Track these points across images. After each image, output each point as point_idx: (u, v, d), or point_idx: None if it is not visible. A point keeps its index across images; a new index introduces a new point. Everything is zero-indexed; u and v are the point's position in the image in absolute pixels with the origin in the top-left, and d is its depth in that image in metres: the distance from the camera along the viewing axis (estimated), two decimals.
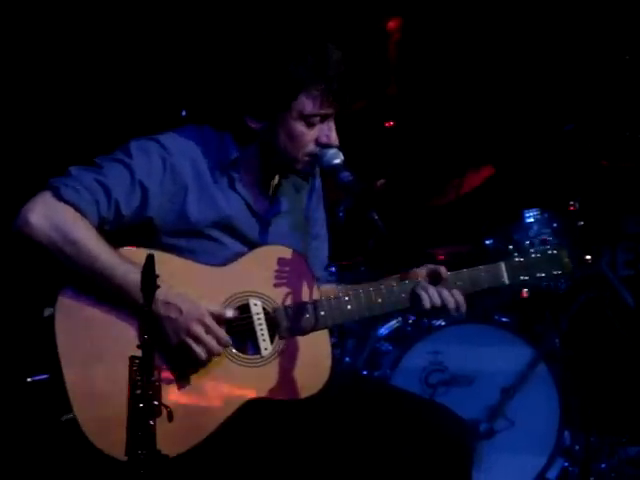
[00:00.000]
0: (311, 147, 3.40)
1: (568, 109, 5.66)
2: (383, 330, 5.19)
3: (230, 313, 3.30)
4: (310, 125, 3.37)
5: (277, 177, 3.55)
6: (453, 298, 3.48)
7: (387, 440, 3.38)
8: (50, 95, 5.42)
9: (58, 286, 3.23)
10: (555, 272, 3.69)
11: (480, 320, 5.11)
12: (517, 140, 5.81)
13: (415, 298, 3.48)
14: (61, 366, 3.18)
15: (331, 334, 3.53)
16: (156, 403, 2.85)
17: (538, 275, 3.66)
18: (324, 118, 3.38)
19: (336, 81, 3.34)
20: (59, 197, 3.23)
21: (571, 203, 5.10)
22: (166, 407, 2.96)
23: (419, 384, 4.99)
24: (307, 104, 3.34)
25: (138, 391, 2.84)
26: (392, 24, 5.45)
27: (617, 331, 5.35)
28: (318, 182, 3.67)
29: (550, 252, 3.70)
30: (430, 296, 3.46)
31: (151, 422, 2.84)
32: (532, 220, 5.04)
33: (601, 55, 5.86)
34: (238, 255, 3.41)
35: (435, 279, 3.52)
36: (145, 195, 3.31)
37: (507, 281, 3.61)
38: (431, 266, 3.56)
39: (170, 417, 3.03)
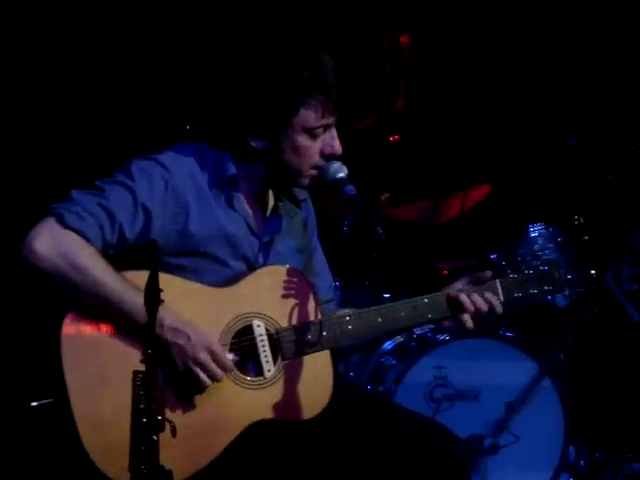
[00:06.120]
0: (316, 159, 3.40)
1: (573, 123, 5.66)
2: (387, 344, 5.17)
3: (231, 357, 3.30)
4: (314, 137, 3.37)
5: (272, 199, 3.53)
6: (494, 300, 3.50)
7: (385, 459, 3.36)
8: (56, 107, 5.43)
9: (64, 308, 3.21)
10: (547, 288, 3.71)
11: (484, 335, 5.08)
12: (522, 154, 5.81)
13: (456, 305, 3.48)
14: (67, 390, 3.16)
15: None
16: (159, 418, 2.84)
17: (531, 291, 3.68)
18: (326, 127, 3.38)
19: (334, 89, 3.34)
20: (63, 224, 3.21)
21: (576, 218, 5.10)
22: (169, 422, 2.95)
23: (423, 399, 4.96)
24: (309, 117, 3.34)
25: (142, 405, 2.83)
26: (404, 39, 5.45)
27: (622, 346, 5.33)
28: (311, 209, 3.67)
29: (542, 268, 3.72)
30: (473, 301, 3.47)
31: (154, 437, 2.83)
32: (537, 235, 5.04)
33: (606, 70, 5.86)
34: (240, 275, 3.39)
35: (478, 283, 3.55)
36: (148, 217, 3.30)
37: (502, 298, 3.60)
38: (477, 274, 3.58)
39: (174, 432, 3.02)
